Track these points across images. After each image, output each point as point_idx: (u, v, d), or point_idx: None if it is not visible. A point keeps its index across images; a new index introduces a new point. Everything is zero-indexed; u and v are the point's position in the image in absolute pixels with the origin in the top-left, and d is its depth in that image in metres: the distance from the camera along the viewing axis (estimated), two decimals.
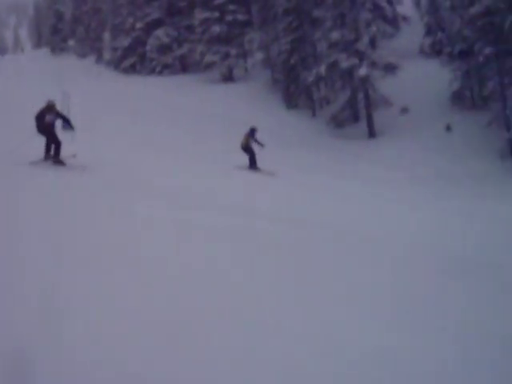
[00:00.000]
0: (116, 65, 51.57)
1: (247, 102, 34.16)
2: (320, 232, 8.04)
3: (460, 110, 29.86)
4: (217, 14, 41.20)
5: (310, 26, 34.42)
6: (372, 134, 29.29)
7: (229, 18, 41.20)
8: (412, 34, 39.96)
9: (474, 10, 27.52)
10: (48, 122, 11.47)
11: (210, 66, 41.87)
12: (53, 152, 11.49)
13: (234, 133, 26.97)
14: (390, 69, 29.67)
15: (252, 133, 16.94)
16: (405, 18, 43.96)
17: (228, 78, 41.15)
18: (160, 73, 45.75)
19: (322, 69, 30.39)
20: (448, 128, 28.18)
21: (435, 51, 37.61)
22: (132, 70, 49.22)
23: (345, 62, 29.17)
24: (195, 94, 35.80)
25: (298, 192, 13.28)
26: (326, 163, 23.67)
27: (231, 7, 41.28)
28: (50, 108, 11.58)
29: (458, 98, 30.67)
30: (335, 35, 29.89)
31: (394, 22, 41.47)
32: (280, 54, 36.31)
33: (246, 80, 40.64)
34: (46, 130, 11.46)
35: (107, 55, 56.14)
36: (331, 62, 30.12)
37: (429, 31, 39.12)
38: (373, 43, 31.59)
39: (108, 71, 51.82)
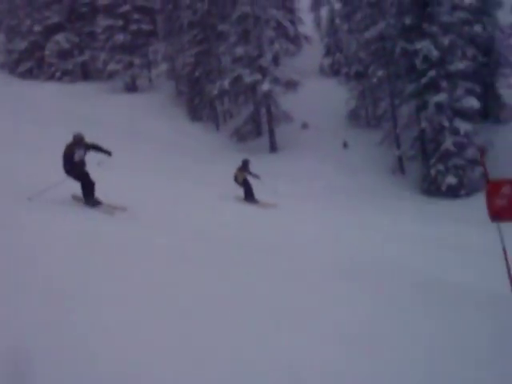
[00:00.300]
0: (11, 68, 48.82)
1: (151, 113, 33.74)
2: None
3: (356, 128, 31.55)
4: (121, 23, 40.41)
5: (215, 39, 34.83)
6: (274, 148, 30.08)
7: (133, 26, 40.57)
8: (313, 54, 41.66)
9: (369, 34, 29.35)
10: (78, 160, 9.58)
11: (112, 75, 40.91)
12: (86, 192, 9.72)
13: (138, 144, 26.68)
14: (292, 85, 30.76)
15: (245, 166, 16.43)
16: (306, 38, 45.94)
17: (131, 87, 40.43)
18: (60, 79, 43.91)
19: (226, 83, 30.84)
20: (345, 144, 29.64)
21: (334, 71, 39.53)
22: (29, 74, 46.84)
23: (248, 77, 29.84)
24: (97, 103, 34.78)
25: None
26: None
27: (136, 16, 40.70)
28: (78, 143, 9.64)
29: (354, 117, 32.41)
30: (239, 50, 30.49)
31: (296, 40, 43.20)
32: (185, 66, 36.33)
33: (150, 91, 40.17)
34: (76, 170, 9.55)
35: (1, 58, 53.04)
36: (235, 77, 30.65)
37: (328, 52, 41.02)
38: (276, 60, 32.55)
39: (2, 74, 48.94)
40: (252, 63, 30.34)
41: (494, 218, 6.40)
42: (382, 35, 28.89)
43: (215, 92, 31.84)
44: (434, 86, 25.89)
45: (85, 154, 9.73)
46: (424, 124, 25.95)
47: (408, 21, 26.88)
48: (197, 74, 35.27)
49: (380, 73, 29.05)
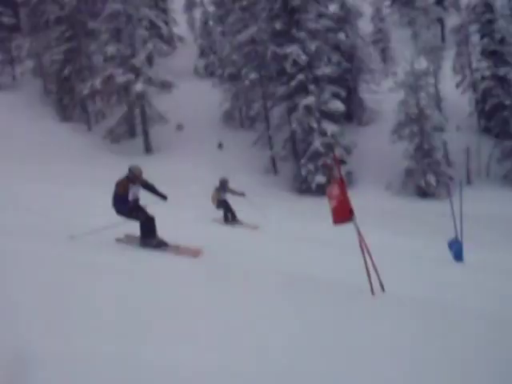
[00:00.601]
0: None
1: (15, 113, 31.53)
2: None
3: (231, 129, 32.08)
4: None
5: (85, 37, 33.45)
6: (149, 149, 29.64)
7: None
8: (187, 55, 41.60)
9: (241, 37, 30.00)
10: (133, 199, 8.16)
11: None
12: (146, 231, 8.27)
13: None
14: (166, 86, 30.50)
15: (222, 186, 14.96)
16: (180, 39, 45.73)
17: None
18: None
19: (98, 82, 29.79)
20: (220, 145, 30.04)
21: (208, 72, 39.80)
22: None
23: (121, 77, 29.08)
24: None
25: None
26: (102, 179, 23.07)
27: None
28: (134, 179, 8.16)
29: (229, 118, 32.93)
30: (111, 49, 29.59)
31: (170, 41, 42.86)
32: (52, 64, 34.44)
33: (14, 89, 37.48)
34: (132, 211, 8.15)
35: None
36: (107, 76, 29.72)
37: (202, 53, 41.20)
38: (149, 60, 32.11)
39: None
40: (125, 62, 29.62)
41: (337, 222, 6.20)
42: (254, 39, 29.67)
43: (86, 91, 30.61)
44: (303, 89, 27.18)
45: (138, 191, 8.32)
46: (294, 125, 27.14)
47: (278, 26, 27.94)
48: (66, 72, 33.59)
49: (252, 75, 29.80)
